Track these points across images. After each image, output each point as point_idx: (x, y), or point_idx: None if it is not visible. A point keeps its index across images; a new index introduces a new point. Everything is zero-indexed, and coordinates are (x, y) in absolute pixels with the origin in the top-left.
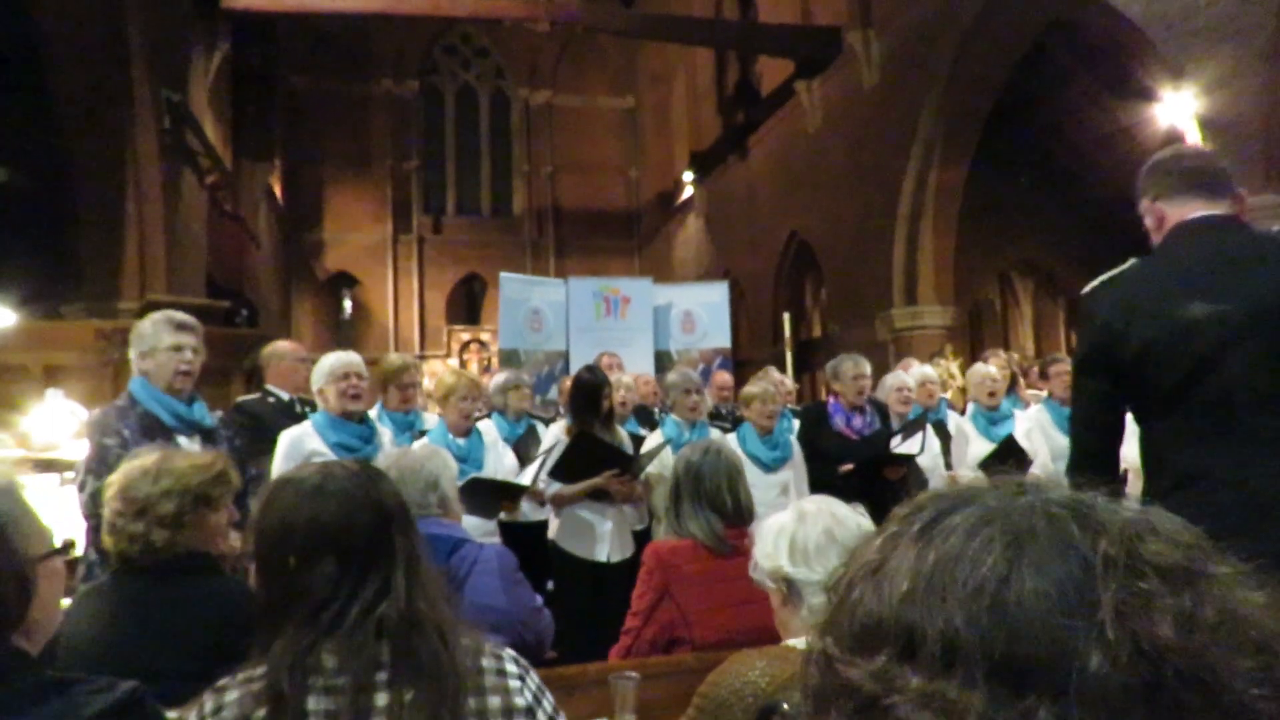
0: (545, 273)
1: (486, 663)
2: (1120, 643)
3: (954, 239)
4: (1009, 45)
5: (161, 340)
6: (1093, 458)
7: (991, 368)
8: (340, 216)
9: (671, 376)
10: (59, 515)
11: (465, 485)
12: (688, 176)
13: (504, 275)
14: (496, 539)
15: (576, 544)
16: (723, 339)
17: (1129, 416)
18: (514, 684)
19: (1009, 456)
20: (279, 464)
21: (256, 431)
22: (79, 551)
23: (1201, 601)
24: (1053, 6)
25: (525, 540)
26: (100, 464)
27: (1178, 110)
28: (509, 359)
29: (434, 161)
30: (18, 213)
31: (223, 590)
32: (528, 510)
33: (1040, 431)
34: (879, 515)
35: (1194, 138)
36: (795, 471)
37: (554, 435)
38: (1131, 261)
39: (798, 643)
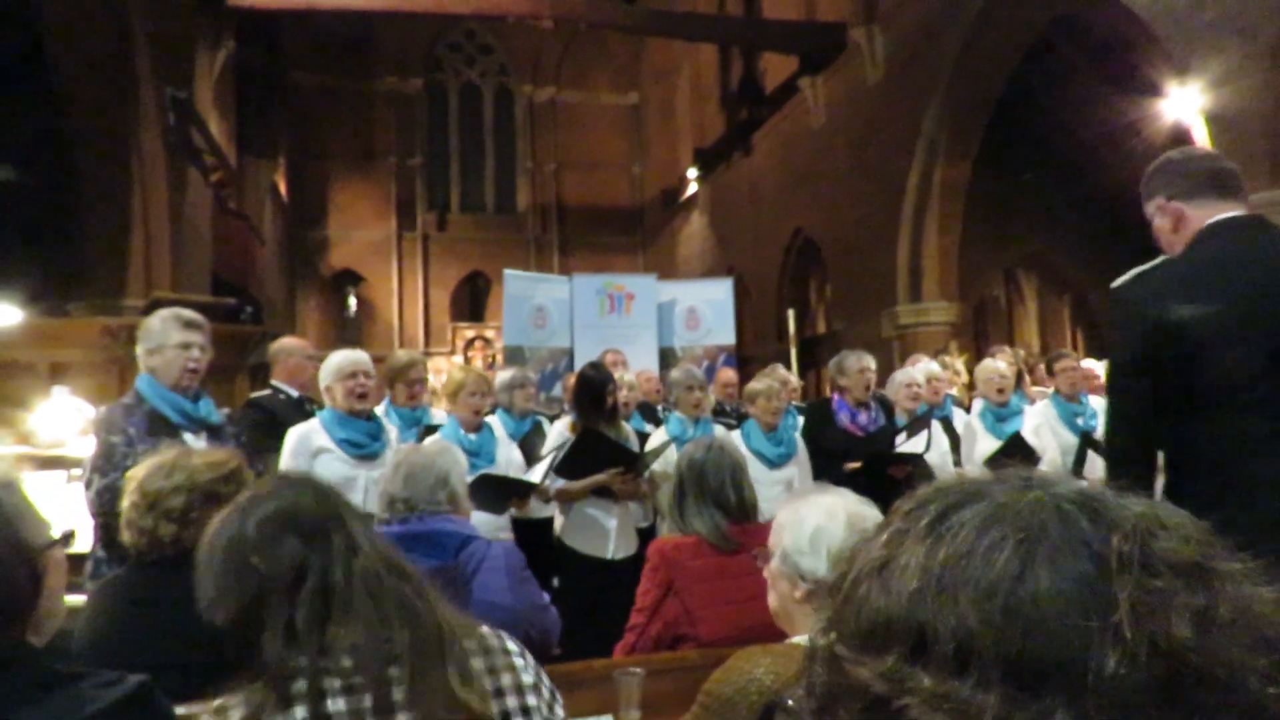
0: (549, 269)
1: (493, 642)
2: (1138, 642)
3: (958, 235)
4: (1013, 41)
5: (169, 338)
6: (1132, 460)
7: (1000, 363)
8: (345, 214)
9: (675, 373)
10: (65, 512)
11: (474, 482)
12: (692, 173)
13: (508, 272)
14: (508, 535)
15: (583, 541)
16: (727, 336)
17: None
18: (518, 661)
19: (1016, 453)
20: (286, 460)
21: (269, 427)
22: (85, 548)
23: (1216, 599)
24: (1057, 2)
25: (531, 537)
26: (106, 461)
27: (1183, 106)
28: (513, 356)
29: (438, 158)
30: (23, 210)
31: None
32: (534, 507)
33: (1048, 428)
34: (885, 513)
35: (1200, 133)
36: (800, 468)
37: (558, 432)
38: (1162, 259)
39: (803, 639)
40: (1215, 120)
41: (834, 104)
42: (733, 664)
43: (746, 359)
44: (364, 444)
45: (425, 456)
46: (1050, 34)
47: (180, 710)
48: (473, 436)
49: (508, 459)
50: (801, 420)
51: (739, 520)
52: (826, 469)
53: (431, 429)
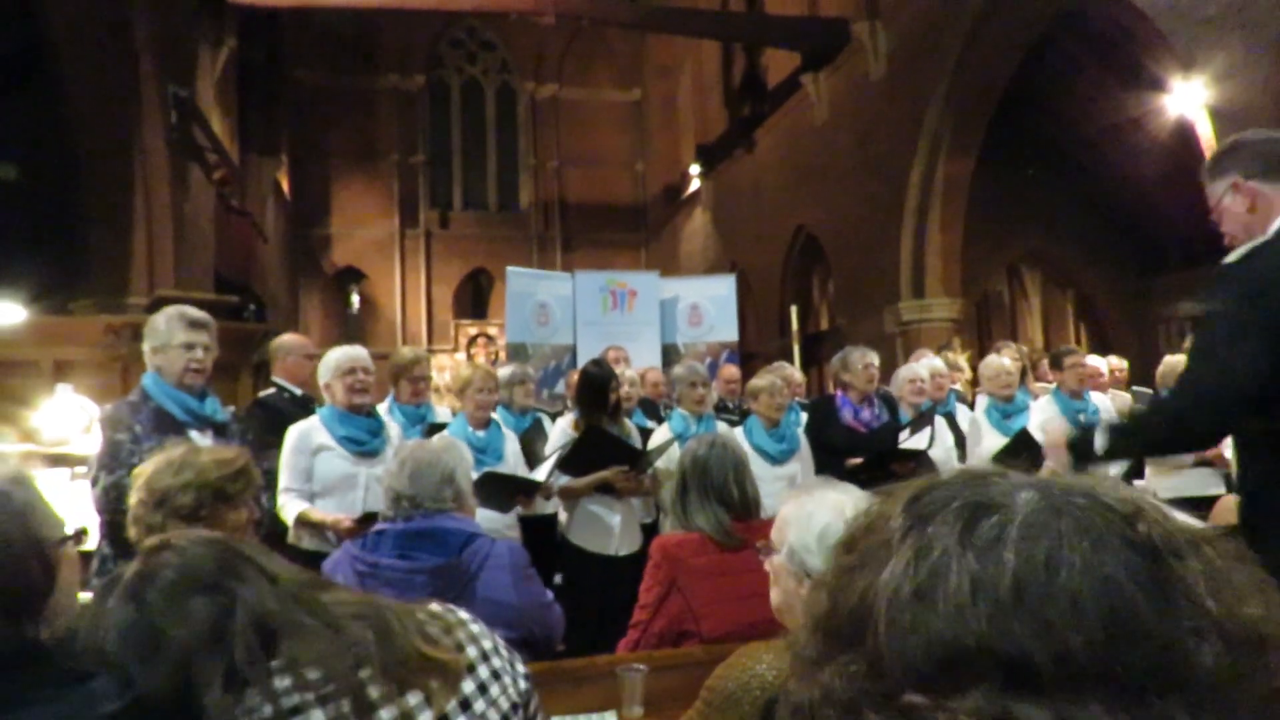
0: (552, 266)
1: (439, 609)
2: (1224, 624)
3: (961, 231)
4: (1017, 36)
5: (174, 337)
6: (1210, 436)
7: (1005, 360)
8: (347, 211)
9: (677, 370)
10: (70, 509)
11: (480, 479)
12: (694, 169)
13: (510, 269)
14: (516, 533)
15: (587, 537)
16: (730, 332)
17: None
18: (474, 627)
19: (1023, 450)
20: (287, 456)
21: (276, 426)
22: (91, 545)
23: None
24: None
25: (534, 534)
26: (112, 459)
27: (1187, 100)
28: (516, 353)
29: (440, 156)
30: (26, 209)
31: None
32: (537, 504)
33: (1041, 425)
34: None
35: (1204, 128)
36: (802, 464)
37: (561, 430)
38: (1262, 240)
39: None
40: (1219, 115)
41: (836, 100)
42: (735, 660)
43: (749, 355)
44: (364, 441)
45: (431, 453)
46: (1053, 29)
47: None
48: (481, 434)
49: (516, 456)
50: (805, 417)
51: (742, 517)
52: (830, 465)
53: (435, 427)
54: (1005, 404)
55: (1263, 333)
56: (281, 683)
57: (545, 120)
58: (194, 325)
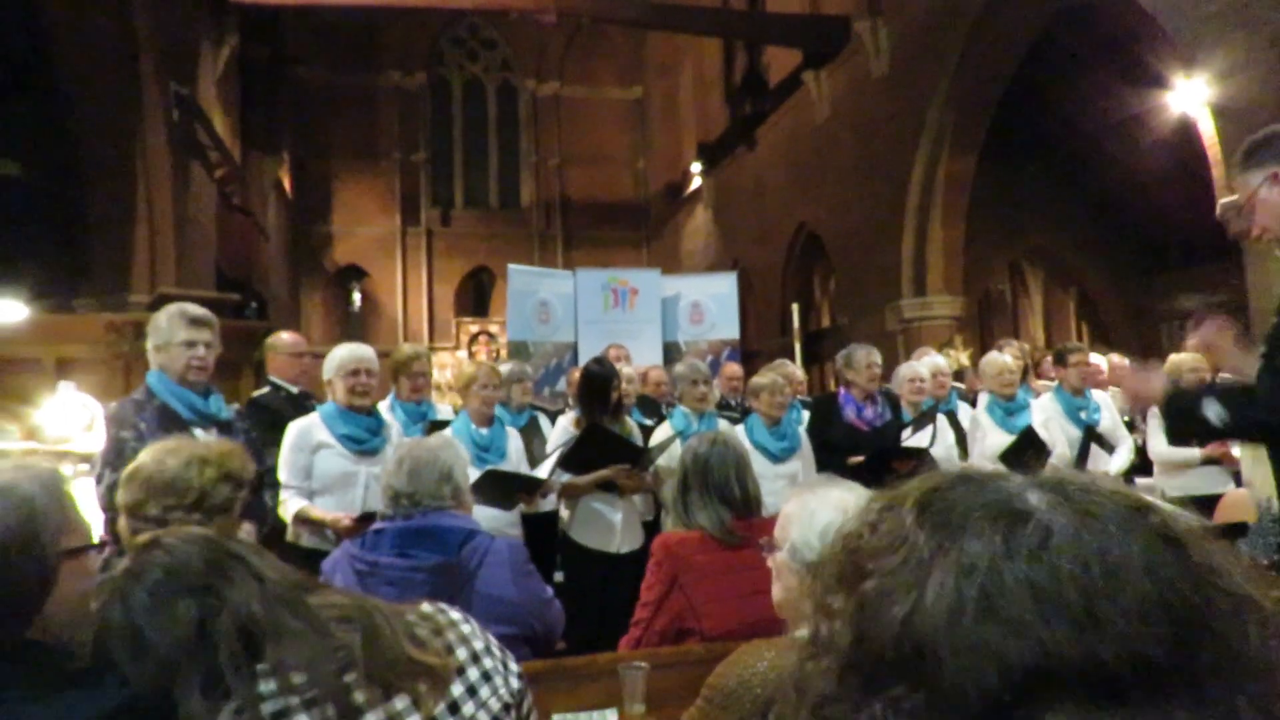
0: (553, 264)
1: (430, 610)
2: (1259, 607)
3: (963, 229)
4: (1018, 33)
5: (176, 335)
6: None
7: (1007, 357)
8: (349, 209)
9: (679, 368)
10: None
11: (482, 478)
12: (696, 167)
13: (512, 267)
14: (518, 531)
15: (589, 535)
16: (731, 330)
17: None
18: (465, 628)
19: (1029, 447)
20: (286, 454)
21: (270, 425)
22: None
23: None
24: None
25: (535, 531)
26: (117, 457)
27: (1189, 98)
28: (518, 351)
29: (442, 154)
30: (29, 207)
31: None
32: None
33: (1056, 421)
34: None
35: (1206, 126)
36: (804, 462)
37: (563, 428)
38: None
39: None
40: (1221, 113)
41: (838, 98)
42: (736, 658)
43: (750, 353)
44: (364, 439)
45: (429, 451)
46: (1055, 26)
47: None
48: (484, 431)
49: (519, 453)
50: (806, 415)
51: (743, 515)
52: (831, 463)
53: (437, 425)
54: (1007, 401)
55: None
56: (266, 687)
57: (547, 118)
58: (195, 323)
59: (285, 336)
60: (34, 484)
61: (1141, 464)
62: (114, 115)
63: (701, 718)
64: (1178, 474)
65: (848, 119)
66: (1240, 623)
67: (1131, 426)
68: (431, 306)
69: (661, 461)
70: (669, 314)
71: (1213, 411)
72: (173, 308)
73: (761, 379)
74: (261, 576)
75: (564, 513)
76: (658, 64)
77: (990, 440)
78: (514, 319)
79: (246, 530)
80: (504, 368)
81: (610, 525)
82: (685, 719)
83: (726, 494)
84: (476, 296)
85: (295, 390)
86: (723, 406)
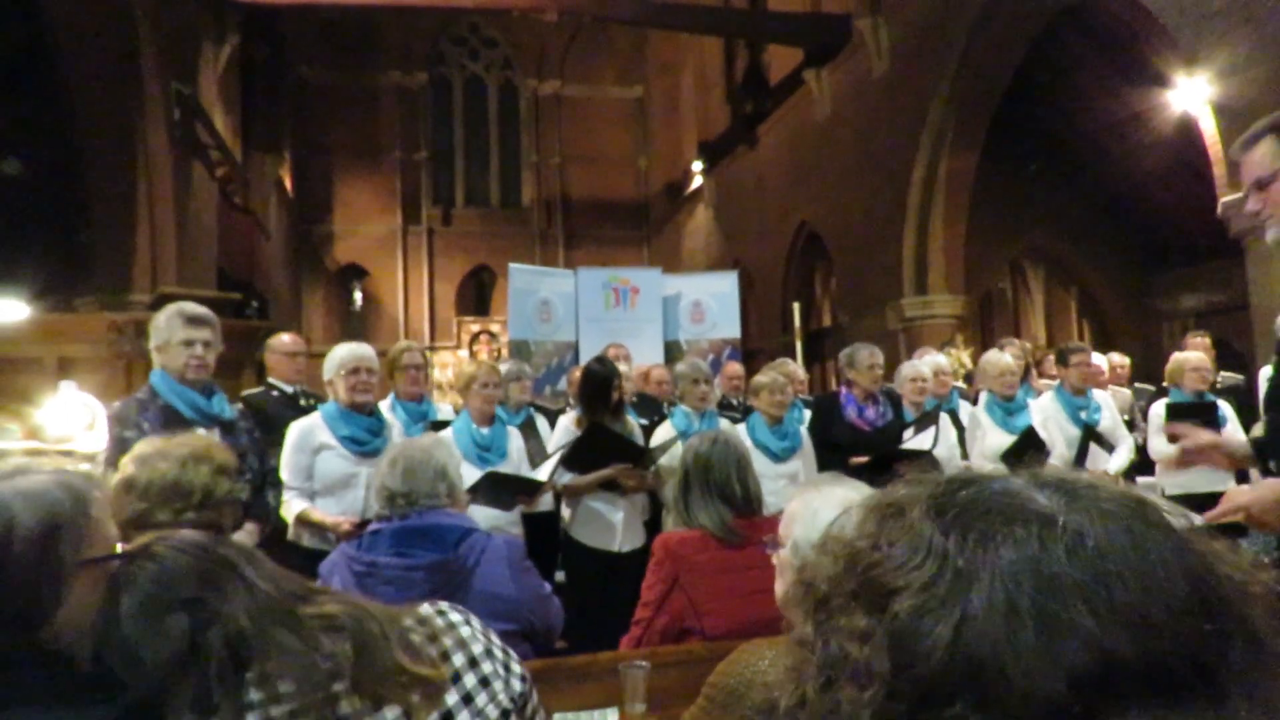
0: (554, 263)
1: (428, 612)
2: (1257, 591)
3: (964, 227)
4: (1019, 32)
5: (175, 334)
6: None
7: (1007, 357)
8: (350, 208)
9: (680, 367)
10: None
11: (482, 479)
12: (697, 166)
13: (513, 266)
14: (519, 531)
15: (591, 534)
16: (732, 329)
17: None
18: (464, 630)
19: (1029, 448)
20: (288, 455)
21: (259, 425)
22: None
23: None
24: None
25: (536, 530)
26: (121, 456)
27: (1191, 96)
28: (519, 350)
29: (443, 153)
30: (30, 206)
31: None
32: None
33: (1054, 421)
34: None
35: (1208, 124)
36: (805, 462)
37: (564, 428)
38: None
39: None
40: (1223, 111)
41: (839, 96)
42: (737, 657)
43: (752, 352)
44: (365, 440)
45: (421, 450)
46: (1056, 24)
47: None
48: (485, 431)
49: (520, 453)
50: (808, 414)
51: (744, 514)
52: (833, 463)
53: (438, 424)
54: (1007, 401)
55: None
56: (253, 696)
57: (547, 117)
58: (193, 321)
59: (284, 337)
60: (62, 491)
61: (1141, 462)
62: (115, 114)
63: (703, 717)
64: (1177, 472)
65: (849, 117)
66: (1255, 614)
67: (1132, 426)
68: (433, 306)
69: (663, 461)
70: (670, 313)
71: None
72: (172, 307)
73: (762, 378)
74: (253, 587)
75: (565, 512)
76: (659, 63)
77: (990, 440)
78: (515, 318)
79: (250, 529)
80: (502, 366)
81: (611, 524)
82: (686, 718)
83: (727, 493)
84: (477, 295)
85: (290, 390)
86: (725, 406)
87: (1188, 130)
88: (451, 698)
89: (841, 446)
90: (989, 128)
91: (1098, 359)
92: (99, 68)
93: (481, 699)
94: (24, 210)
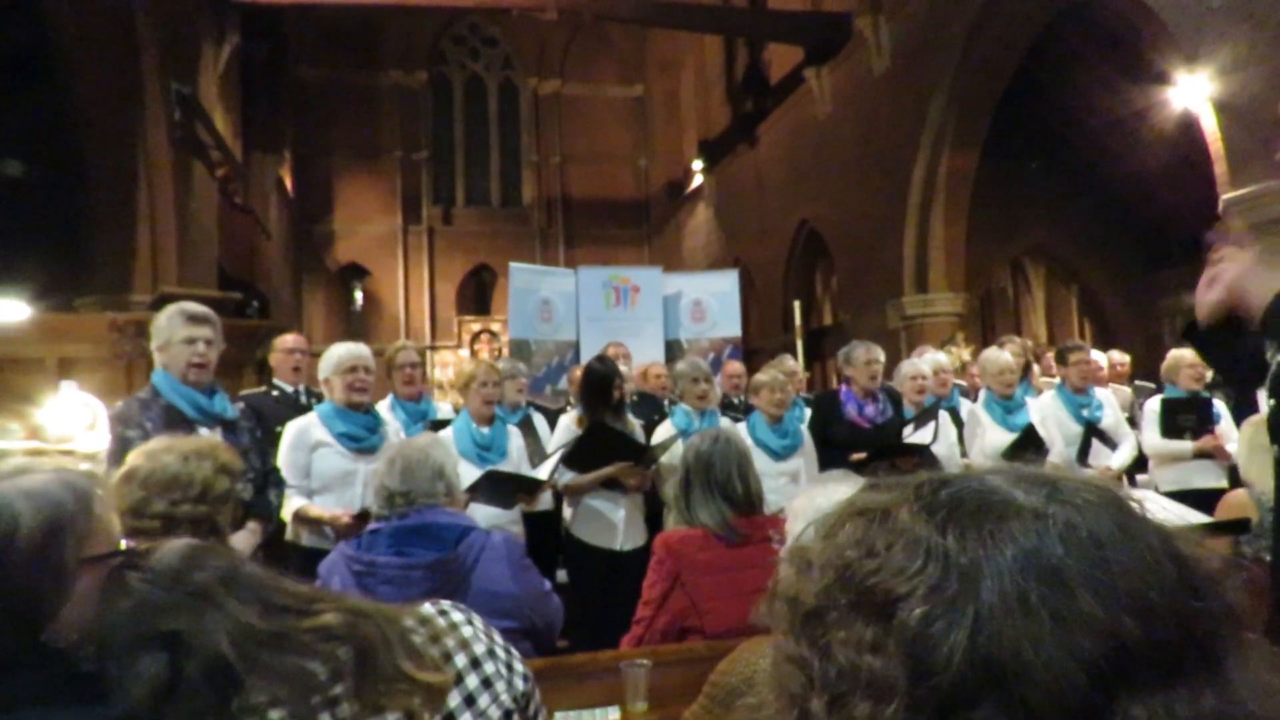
0: (555, 262)
1: (430, 612)
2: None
3: (965, 225)
4: (1020, 30)
5: (176, 333)
6: None
7: (1006, 354)
8: (350, 208)
9: (680, 366)
10: None
11: (482, 478)
12: (697, 165)
13: (514, 265)
14: (520, 529)
15: (592, 533)
16: (733, 328)
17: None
18: (466, 630)
19: (1028, 446)
20: (284, 454)
21: (261, 424)
22: None
23: None
24: None
25: (539, 529)
26: (122, 456)
27: (1192, 94)
28: (519, 349)
29: (443, 152)
30: (30, 206)
31: None
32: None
33: (1054, 419)
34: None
35: (1208, 121)
36: (805, 460)
37: (565, 427)
38: None
39: None
40: (1224, 108)
41: (840, 95)
42: (738, 655)
43: (752, 351)
44: (362, 437)
45: (419, 450)
46: (1057, 22)
47: None
48: (485, 430)
49: (520, 452)
50: (809, 412)
51: (745, 512)
52: (833, 461)
53: (438, 424)
54: (1006, 399)
55: None
56: (254, 698)
57: (548, 116)
58: (194, 320)
59: (288, 337)
60: (65, 490)
61: (1141, 459)
62: (115, 114)
63: (704, 715)
64: (1170, 468)
65: (849, 116)
66: (1229, 589)
67: (1133, 423)
68: (433, 305)
69: (663, 459)
70: (670, 312)
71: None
72: (173, 307)
73: (762, 376)
74: (233, 613)
75: (566, 510)
76: (659, 62)
77: (990, 438)
78: (515, 317)
79: (253, 528)
80: (499, 365)
81: (613, 523)
82: (687, 717)
83: (728, 491)
84: (478, 295)
85: (290, 390)
86: (727, 406)
87: (1189, 128)
88: (454, 699)
89: (841, 444)
90: (990, 126)
91: (1098, 357)
92: (99, 68)
93: (484, 700)
94: (24, 211)
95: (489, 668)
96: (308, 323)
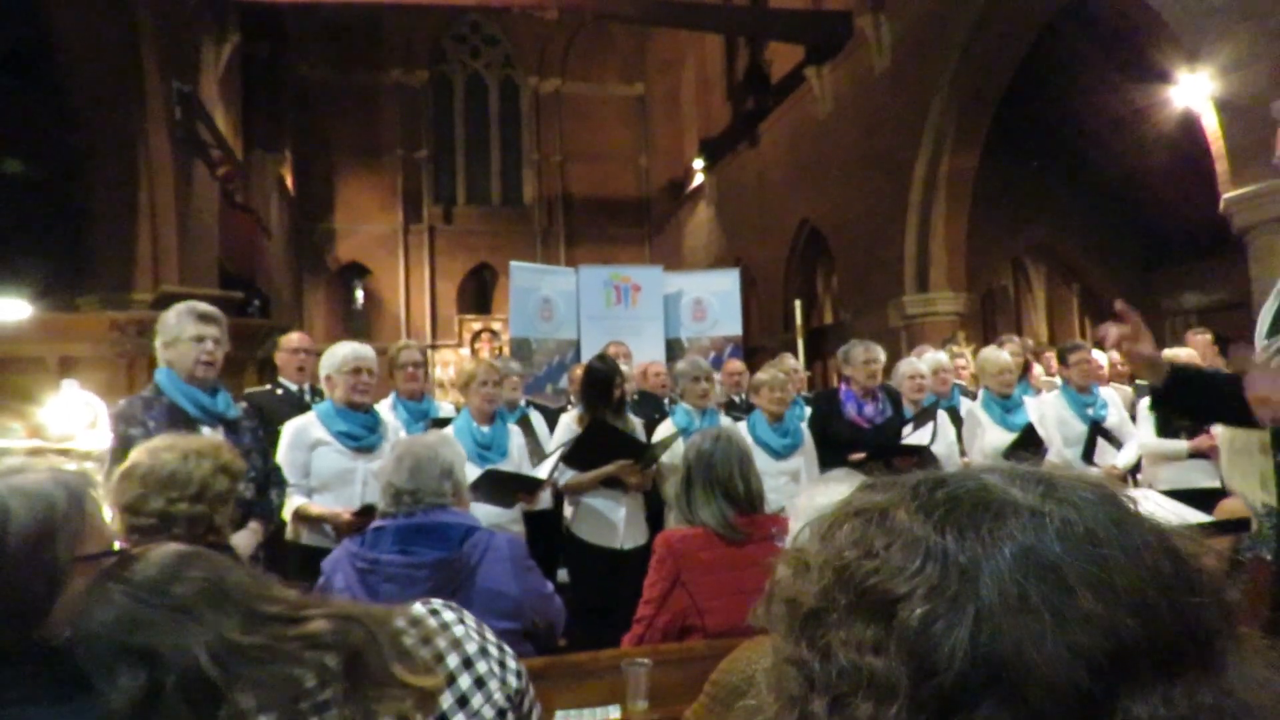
0: (556, 261)
1: (421, 613)
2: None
3: (966, 224)
4: (1021, 28)
5: (184, 331)
6: None
7: (1005, 354)
8: (351, 207)
9: (681, 364)
10: None
11: (482, 477)
12: (698, 164)
13: (514, 264)
14: (520, 528)
15: (593, 532)
16: (734, 327)
17: None
18: (458, 630)
19: (1028, 445)
20: (283, 453)
21: (264, 423)
22: None
23: None
24: None
25: (540, 528)
26: (125, 455)
27: (1193, 93)
28: (520, 348)
29: (444, 151)
30: (32, 205)
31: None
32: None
33: (1054, 419)
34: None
35: (1209, 120)
36: (806, 459)
37: (565, 425)
38: None
39: None
40: (1225, 107)
41: (840, 93)
42: (739, 654)
43: (753, 350)
44: (361, 436)
45: (428, 448)
46: (1058, 21)
47: None
48: (485, 429)
49: (520, 451)
50: (809, 411)
51: (746, 511)
52: (833, 460)
53: (439, 422)
54: (1004, 399)
55: None
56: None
57: (549, 115)
58: (204, 319)
59: (293, 336)
60: (58, 488)
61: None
62: (116, 113)
63: (705, 714)
64: (1165, 466)
65: (850, 115)
66: (1223, 584)
67: (1135, 423)
68: (434, 304)
69: (664, 459)
70: (671, 311)
71: None
72: (181, 305)
73: (762, 375)
74: (214, 627)
75: (567, 510)
76: (660, 60)
77: (989, 437)
78: (516, 316)
79: (254, 528)
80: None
81: (614, 522)
82: (688, 716)
83: (730, 490)
84: (479, 294)
85: (295, 388)
86: (730, 405)
87: (1190, 126)
88: (446, 700)
89: (841, 443)
90: (990, 125)
91: (1098, 356)
92: (100, 67)
93: (477, 700)
94: (25, 209)
95: (482, 667)
96: (308, 322)
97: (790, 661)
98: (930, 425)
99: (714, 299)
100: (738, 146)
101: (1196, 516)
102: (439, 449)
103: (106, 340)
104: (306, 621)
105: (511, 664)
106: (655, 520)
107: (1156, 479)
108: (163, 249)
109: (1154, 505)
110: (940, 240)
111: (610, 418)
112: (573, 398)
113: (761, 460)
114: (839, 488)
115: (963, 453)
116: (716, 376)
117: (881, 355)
